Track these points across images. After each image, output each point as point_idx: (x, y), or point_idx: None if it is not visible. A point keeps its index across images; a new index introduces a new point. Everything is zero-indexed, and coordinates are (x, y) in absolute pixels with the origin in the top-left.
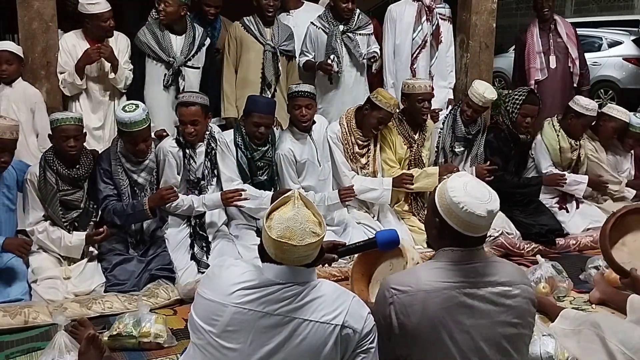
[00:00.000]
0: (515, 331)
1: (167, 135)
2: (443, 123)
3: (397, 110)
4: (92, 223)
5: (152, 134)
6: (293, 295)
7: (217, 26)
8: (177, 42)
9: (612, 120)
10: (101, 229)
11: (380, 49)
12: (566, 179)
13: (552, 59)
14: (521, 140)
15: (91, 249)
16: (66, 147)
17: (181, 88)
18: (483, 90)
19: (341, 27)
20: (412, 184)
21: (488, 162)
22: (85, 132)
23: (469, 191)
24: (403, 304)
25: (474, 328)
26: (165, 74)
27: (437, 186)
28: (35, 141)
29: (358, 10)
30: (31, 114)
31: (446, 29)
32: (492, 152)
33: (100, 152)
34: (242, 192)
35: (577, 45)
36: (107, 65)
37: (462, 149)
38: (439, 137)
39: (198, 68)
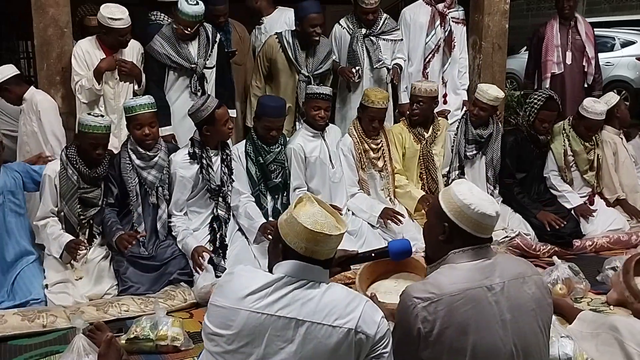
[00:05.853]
0: (537, 321)
1: (172, 139)
2: (457, 128)
3: (387, 103)
4: None
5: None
6: (305, 297)
7: (227, 29)
8: (194, 48)
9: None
10: (83, 245)
11: None
12: (559, 225)
13: (569, 54)
14: (541, 141)
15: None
16: (94, 154)
17: (207, 91)
18: (487, 88)
19: (363, 31)
20: (398, 223)
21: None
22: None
23: (475, 194)
24: (428, 311)
25: (503, 322)
26: (190, 81)
27: (439, 193)
28: (58, 144)
29: (385, 15)
30: (40, 121)
31: (459, 32)
32: (508, 154)
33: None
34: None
35: (594, 45)
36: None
37: (475, 152)
38: (454, 141)
39: (213, 67)
